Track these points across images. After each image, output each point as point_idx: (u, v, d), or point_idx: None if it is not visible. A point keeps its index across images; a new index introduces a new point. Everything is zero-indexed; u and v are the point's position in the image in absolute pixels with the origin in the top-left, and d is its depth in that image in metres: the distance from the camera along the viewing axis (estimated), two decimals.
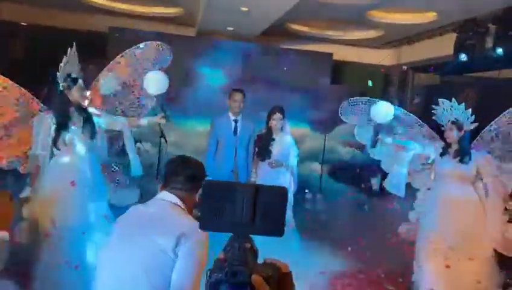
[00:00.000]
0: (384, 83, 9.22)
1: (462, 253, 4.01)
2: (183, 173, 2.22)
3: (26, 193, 3.79)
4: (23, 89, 3.87)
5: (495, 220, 3.95)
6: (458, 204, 4.07)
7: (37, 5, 8.01)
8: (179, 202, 2.17)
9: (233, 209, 1.06)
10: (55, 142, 3.68)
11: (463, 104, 4.23)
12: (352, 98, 4.92)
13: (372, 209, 6.89)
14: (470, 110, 4.21)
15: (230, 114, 5.21)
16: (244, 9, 6.45)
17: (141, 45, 4.36)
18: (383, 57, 9.03)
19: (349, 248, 5.29)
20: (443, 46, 7.34)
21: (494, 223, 3.97)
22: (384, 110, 4.51)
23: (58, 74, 3.74)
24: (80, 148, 3.74)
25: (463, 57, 6.47)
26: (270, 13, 6.76)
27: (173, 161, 2.32)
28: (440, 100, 4.31)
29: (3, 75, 3.87)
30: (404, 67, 9.02)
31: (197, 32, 8.38)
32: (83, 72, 3.91)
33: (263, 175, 5.15)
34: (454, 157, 4.17)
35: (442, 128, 4.30)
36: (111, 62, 4.35)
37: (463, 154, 4.13)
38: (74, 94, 3.74)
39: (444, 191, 4.16)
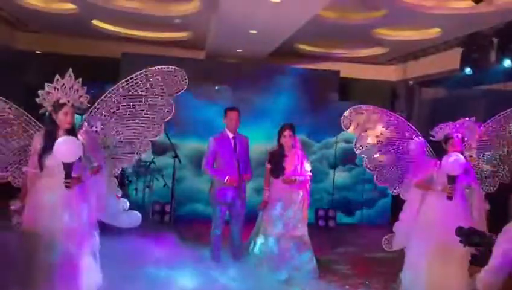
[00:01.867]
0: (392, 98, 9.35)
1: None
2: None
3: (16, 205, 3.87)
4: (21, 110, 4.09)
5: None
6: None
7: (52, 33, 8.30)
8: None
9: None
10: (40, 163, 3.68)
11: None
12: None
13: None
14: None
15: (227, 132, 5.30)
16: (252, 32, 6.62)
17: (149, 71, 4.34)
18: (389, 73, 9.20)
19: None
20: (448, 61, 7.47)
21: None
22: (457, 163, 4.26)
23: (42, 97, 3.76)
24: (58, 172, 3.63)
25: (468, 70, 6.60)
26: (278, 34, 6.95)
27: None
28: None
29: (17, 100, 4.16)
30: (411, 82, 9.14)
31: (207, 54, 8.60)
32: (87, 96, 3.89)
33: (277, 192, 5.26)
34: None
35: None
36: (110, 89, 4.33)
37: None
38: (60, 118, 3.72)
39: None
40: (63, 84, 3.78)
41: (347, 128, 4.87)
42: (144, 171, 7.40)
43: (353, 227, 8.31)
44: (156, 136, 4.43)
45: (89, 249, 3.78)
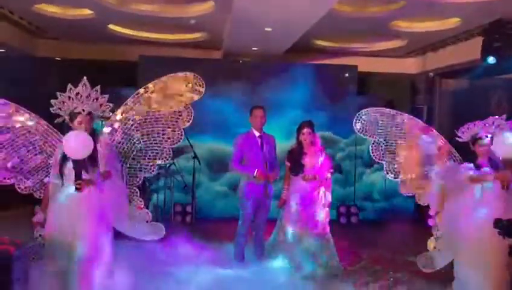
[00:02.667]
0: (412, 91, 9.19)
1: None
2: None
3: (38, 218, 3.92)
4: (42, 121, 4.12)
5: None
6: None
7: (71, 39, 8.42)
8: None
9: None
10: (61, 172, 3.65)
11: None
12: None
13: None
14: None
15: (254, 131, 5.30)
16: (267, 29, 6.58)
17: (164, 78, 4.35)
18: (409, 66, 9.04)
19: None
20: (468, 51, 7.31)
21: None
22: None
23: (57, 106, 3.76)
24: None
25: (491, 60, 6.43)
26: (293, 31, 6.89)
27: None
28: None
29: (38, 109, 4.17)
30: (431, 74, 8.96)
31: (223, 54, 8.60)
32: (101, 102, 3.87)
33: (297, 190, 5.21)
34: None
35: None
36: (133, 94, 4.33)
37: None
38: (75, 127, 3.70)
39: None
40: (78, 93, 3.76)
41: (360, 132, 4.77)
42: (164, 173, 7.43)
43: (376, 224, 8.19)
44: (177, 143, 4.37)
45: (103, 259, 3.70)
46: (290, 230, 5.18)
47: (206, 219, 7.90)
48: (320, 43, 8.47)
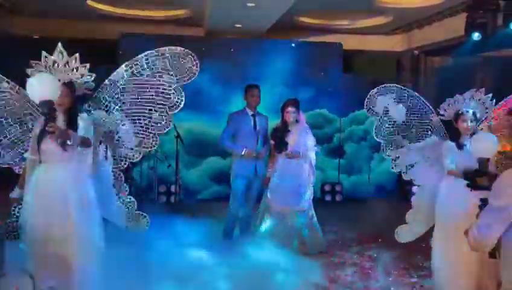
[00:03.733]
0: (397, 69, 9.13)
1: None
2: None
3: (15, 194, 3.68)
4: (23, 90, 3.64)
5: None
6: None
7: (47, 17, 8.15)
8: None
9: None
10: (38, 148, 3.37)
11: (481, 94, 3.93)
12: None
13: None
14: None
15: (247, 109, 5.30)
16: (250, 4, 6.45)
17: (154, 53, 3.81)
18: (394, 43, 8.97)
19: None
20: (454, 28, 7.25)
21: None
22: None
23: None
24: (54, 157, 3.34)
25: (476, 36, 6.37)
26: (277, 7, 6.76)
27: None
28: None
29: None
30: (416, 52, 8.92)
31: (206, 31, 8.43)
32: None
33: (281, 167, 5.18)
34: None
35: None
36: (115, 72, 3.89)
37: None
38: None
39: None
40: (55, 62, 3.50)
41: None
42: (147, 153, 7.29)
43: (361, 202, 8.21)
44: (164, 130, 3.92)
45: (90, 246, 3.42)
46: (272, 209, 5.16)
47: (191, 199, 7.86)
48: (305, 20, 8.35)
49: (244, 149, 5.14)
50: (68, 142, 3.26)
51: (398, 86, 4.38)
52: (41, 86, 3.11)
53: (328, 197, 8.13)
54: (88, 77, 3.60)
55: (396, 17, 8.00)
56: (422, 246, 4.54)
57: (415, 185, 4.38)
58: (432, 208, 3.92)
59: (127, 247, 3.94)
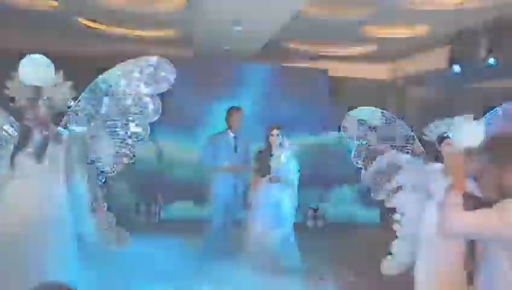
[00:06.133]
0: (380, 97, 9.22)
1: None
2: None
3: None
4: None
5: None
6: None
7: (31, 29, 8.01)
8: None
9: None
10: (12, 162, 3.30)
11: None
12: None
13: None
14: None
15: (229, 131, 5.28)
16: (237, 28, 6.53)
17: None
18: (379, 71, 9.11)
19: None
20: (438, 59, 7.40)
21: None
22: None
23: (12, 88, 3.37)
24: (29, 173, 3.26)
25: (457, 68, 6.53)
26: (263, 32, 6.85)
27: None
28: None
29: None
30: (400, 81, 9.06)
31: (194, 53, 8.47)
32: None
33: (263, 192, 5.18)
34: None
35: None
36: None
37: None
38: (30, 113, 3.33)
39: None
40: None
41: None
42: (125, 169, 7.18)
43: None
44: (143, 139, 3.87)
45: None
46: (253, 230, 5.13)
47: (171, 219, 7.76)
48: (292, 46, 8.45)
49: (225, 164, 5.17)
50: (44, 132, 3.24)
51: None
52: (35, 70, 3.09)
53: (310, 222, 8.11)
54: (68, 94, 3.54)
55: (382, 46, 8.13)
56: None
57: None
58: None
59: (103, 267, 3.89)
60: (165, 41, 8.37)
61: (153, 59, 3.79)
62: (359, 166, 4.43)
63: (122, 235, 3.97)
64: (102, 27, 7.94)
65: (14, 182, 3.33)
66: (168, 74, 3.78)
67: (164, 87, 3.80)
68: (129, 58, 3.84)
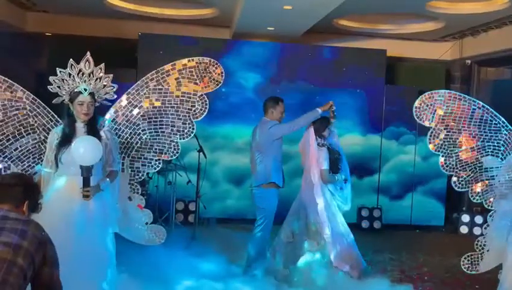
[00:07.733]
0: (446, 80, 8.21)
1: None
2: None
3: None
4: (38, 100, 3.69)
5: None
6: None
7: (63, 13, 7.49)
8: None
9: None
10: (56, 159, 3.34)
11: None
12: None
13: None
14: None
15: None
16: (287, 7, 5.69)
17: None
18: (443, 51, 8.08)
19: None
20: None
21: None
22: None
23: (56, 85, 3.45)
24: (74, 168, 3.26)
25: None
26: (317, 10, 5.97)
27: None
28: None
29: (28, 87, 3.74)
30: (468, 62, 8.01)
31: (233, 34, 7.65)
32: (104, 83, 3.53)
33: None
34: None
35: None
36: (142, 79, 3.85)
37: None
38: (76, 109, 3.38)
39: None
40: (80, 70, 3.42)
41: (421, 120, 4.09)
42: (165, 167, 6.57)
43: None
44: (187, 137, 3.92)
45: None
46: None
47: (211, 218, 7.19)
48: (344, 23, 7.52)
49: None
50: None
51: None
52: (86, 151, 3.18)
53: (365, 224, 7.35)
54: (110, 88, 3.56)
55: (448, 23, 7.12)
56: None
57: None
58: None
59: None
60: (201, 22, 7.60)
61: (205, 60, 3.91)
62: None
63: (159, 232, 4.00)
64: (133, 6, 7.24)
65: (59, 179, 3.36)
66: (217, 75, 3.90)
67: (213, 87, 3.92)
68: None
